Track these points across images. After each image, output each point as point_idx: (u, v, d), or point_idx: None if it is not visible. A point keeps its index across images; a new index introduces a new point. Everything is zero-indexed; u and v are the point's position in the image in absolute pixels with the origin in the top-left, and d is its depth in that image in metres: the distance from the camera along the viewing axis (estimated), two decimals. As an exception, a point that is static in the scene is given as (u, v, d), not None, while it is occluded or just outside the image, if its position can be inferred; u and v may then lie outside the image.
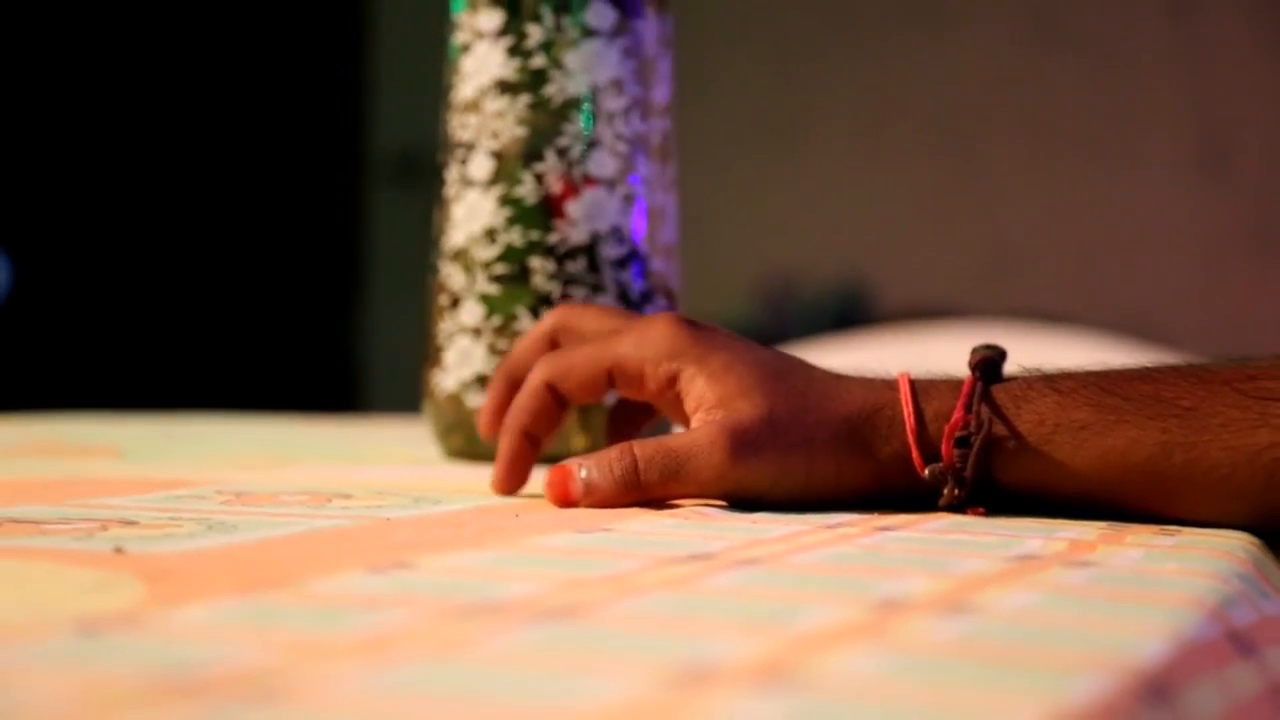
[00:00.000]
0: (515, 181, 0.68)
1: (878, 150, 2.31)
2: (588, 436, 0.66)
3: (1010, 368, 0.50)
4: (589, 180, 0.68)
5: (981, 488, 0.48)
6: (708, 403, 0.49)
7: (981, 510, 0.48)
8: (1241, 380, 0.46)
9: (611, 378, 0.52)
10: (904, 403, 0.48)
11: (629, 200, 0.69)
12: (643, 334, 0.51)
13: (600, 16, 0.68)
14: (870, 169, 2.31)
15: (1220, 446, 0.45)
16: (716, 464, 0.47)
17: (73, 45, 2.36)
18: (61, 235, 2.38)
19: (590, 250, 0.68)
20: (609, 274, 0.68)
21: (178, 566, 0.34)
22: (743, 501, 0.49)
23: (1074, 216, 2.19)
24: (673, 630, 0.28)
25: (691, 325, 0.51)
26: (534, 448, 0.53)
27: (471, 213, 0.69)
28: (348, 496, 0.50)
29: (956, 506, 0.48)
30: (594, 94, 0.68)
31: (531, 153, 0.68)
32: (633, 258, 0.69)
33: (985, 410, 0.48)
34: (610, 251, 0.68)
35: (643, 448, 0.48)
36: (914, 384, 0.49)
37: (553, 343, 0.56)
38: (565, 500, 0.49)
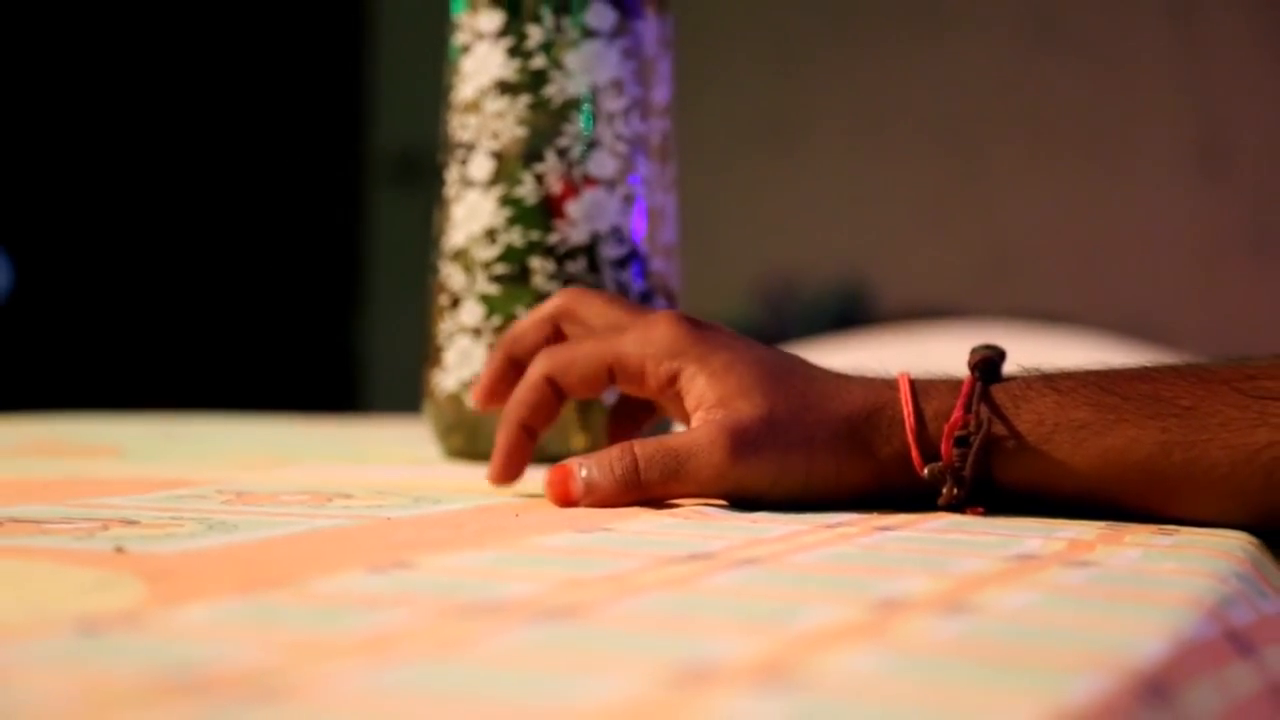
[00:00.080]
0: (515, 182, 0.68)
1: (877, 150, 2.31)
2: (588, 435, 0.66)
3: (1010, 368, 0.50)
4: (589, 180, 0.68)
5: (981, 487, 0.48)
6: (708, 402, 0.49)
7: (981, 510, 0.48)
8: (1240, 380, 0.46)
9: (612, 374, 0.52)
10: (904, 402, 0.48)
11: (629, 200, 0.69)
12: (645, 331, 0.51)
13: (600, 17, 0.68)
14: (870, 169, 2.31)
15: (1219, 446, 0.45)
16: (716, 463, 0.48)
17: (73, 46, 2.36)
18: (62, 235, 2.39)
19: (590, 250, 0.68)
20: (609, 274, 0.68)
21: (178, 566, 0.34)
22: (743, 501, 0.49)
23: (1073, 217, 2.19)
24: (672, 630, 0.28)
25: (694, 324, 0.51)
26: (531, 440, 0.53)
27: (472, 213, 0.69)
28: (348, 496, 0.50)
29: (956, 506, 0.48)
30: (594, 94, 0.68)
31: (531, 153, 0.68)
32: (633, 258, 0.69)
33: (985, 410, 0.48)
34: (610, 252, 0.68)
35: (643, 447, 0.48)
36: (914, 384, 0.49)
37: (555, 326, 0.56)
38: (566, 499, 0.49)
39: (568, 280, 0.68)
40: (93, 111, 2.40)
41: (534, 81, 0.68)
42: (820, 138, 2.33)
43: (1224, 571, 0.37)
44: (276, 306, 2.62)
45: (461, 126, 0.70)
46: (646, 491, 0.48)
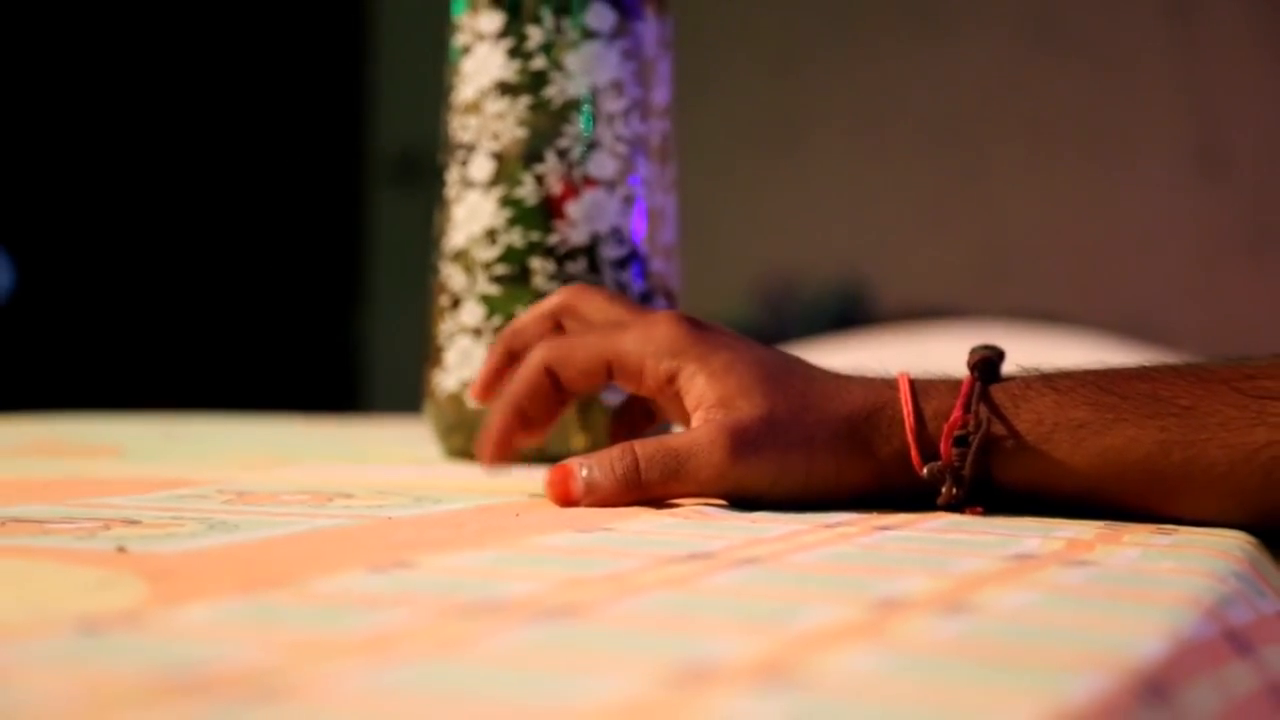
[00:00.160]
0: (515, 183, 0.68)
1: (877, 151, 2.31)
2: (588, 436, 0.66)
3: (1009, 367, 0.50)
4: (589, 181, 0.68)
5: (980, 487, 0.48)
6: (708, 401, 0.49)
7: (980, 509, 0.48)
8: (1239, 379, 0.46)
9: (610, 370, 0.52)
10: (903, 402, 0.49)
11: (629, 201, 0.69)
12: (646, 329, 0.51)
13: (600, 18, 0.68)
14: (869, 170, 2.31)
15: (1218, 445, 0.46)
16: (717, 463, 0.48)
17: (74, 46, 2.36)
18: (64, 235, 2.39)
19: (590, 251, 0.68)
20: (609, 275, 0.68)
21: (179, 566, 0.34)
22: (742, 501, 0.49)
23: (1072, 217, 2.19)
24: (672, 629, 0.28)
25: (694, 324, 0.52)
26: (523, 426, 0.53)
27: (472, 214, 0.69)
28: (349, 496, 0.50)
29: (955, 505, 0.48)
30: (594, 95, 0.68)
31: (532, 154, 0.68)
32: (633, 258, 0.69)
33: (984, 410, 0.48)
34: (610, 252, 0.68)
35: (643, 447, 0.49)
36: (913, 383, 0.49)
37: (556, 322, 0.56)
38: (566, 499, 0.49)
39: (568, 281, 0.68)
40: (94, 112, 2.40)
41: (534, 82, 0.68)
42: (820, 138, 2.33)
43: (1222, 571, 0.37)
44: (277, 306, 2.62)
45: (462, 127, 0.70)
46: (647, 491, 0.48)
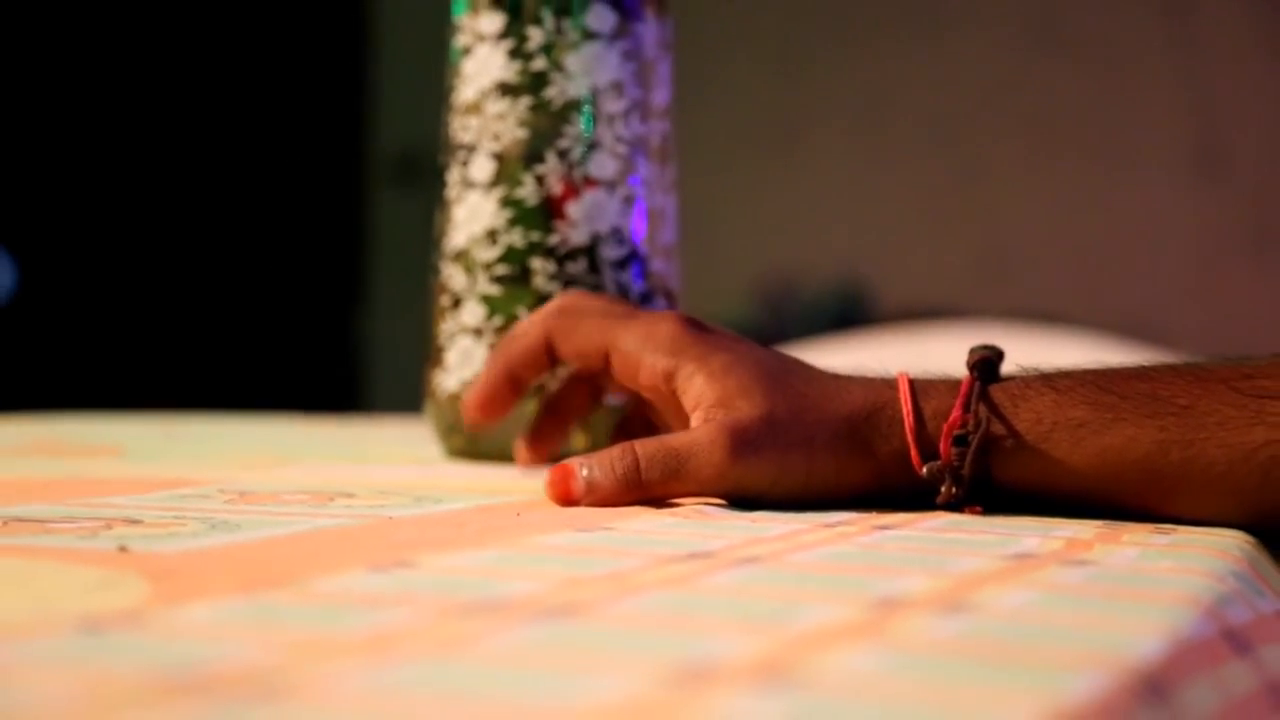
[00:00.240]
0: (516, 183, 0.68)
1: (876, 152, 2.31)
2: (588, 436, 0.66)
3: (1008, 367, 0.50)
4: (589, 182, 0.68)
5: (979, 486, 0.48)
6: (707, 401, 0.49)
7: (979, 509, 0.48)
8: (1238, 379, 0.46)
9: (608, 359, 0.53)
10: (903, 402, 0.49)
11: (629, 202, 0.69)
12: (648, 326, 0.52)
13: (600, 19, 0.68)
14: (869, 170, 2.31)
15: (1217, 444, 0.46)
16: (717, 463, 0.48)
17: (76, 47, 2.37)
18: (65, 236, 2.39)
19: (591, 251, 0.68)
20: (609, 275, 0.68)
21: (181, 565, 0.34)
22: (742, 500, 0.49)
23: (1071, 217, 2.19)
24: (672, 629, 0.28)
25: (695, 325, 0.52)
26: (514, 388, 0.54)
27: (473, 214, 0.69)
28: (350, 496, 0.50)
29: (954, 505, 0.48)
30: (594, 96, 0.68)
31: (532, 154, 0.68)
32: (633, 259, 0.69)
33: (983, 409, 0.48)
34: (610, 253, 0.68)
35: (644, 446, 0.49)
36: (913, 383, 0.49)
37: (549, 340, 0.56)
38: (566, 499, 0.49)
39: (568, 281, 0.68)
40: (95, 113, 2.40)
41: (534, 83, 0.68)
42: (819, 139, 2.33)
43: (1221, 570, 0.37)
44: (278, 307, 2.62)
45: (462, 128, 0.70)
46: (647, 491, 0.48)
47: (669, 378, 0.51)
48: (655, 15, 0.70)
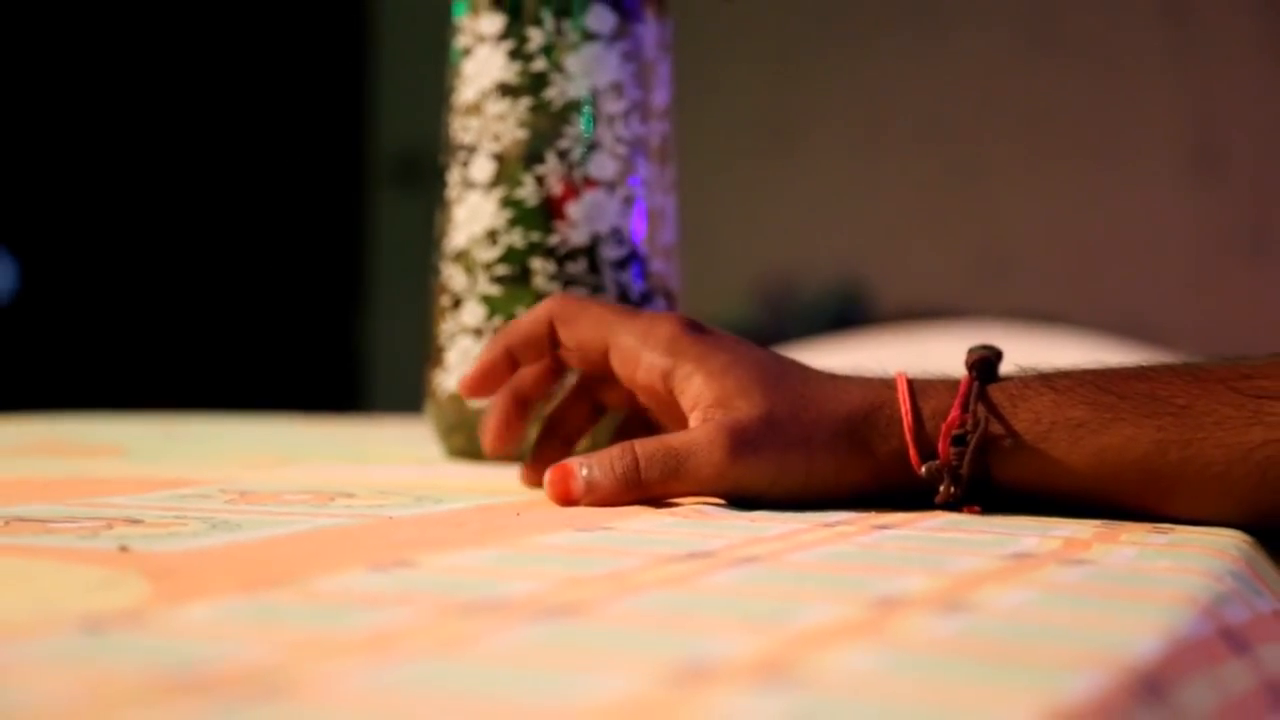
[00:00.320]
0: (516, 183, 0.68)
1: (875, 152, 2.31)
2: (589, 438, 0.67)
3: (1007, 367, 0.50)
4: (589, 182, 0.68)
5: (978, 486, 0.48)
6: (705, 401, 0.49)
7: (978, 508, 0.48)
8: (1236, 379, 0.46)
9: (606, 353, 0.53)
10: (902, 401, 0.49)
11: (629, 202, 0.69)
12: (649, 325, 0.52)
13: (600, 20, 0.68)
14: (868, 171, 2.31)
15: (1215, 444, 0.46)
16: (716, 462, 0.48)
17: (77, 48, 2.37)
18: (66, 236, 2.39)
19: (590, 252, 0.68)
20: (609, 275, 0.68)
21: (182, 565, 0.34)
22: (742, 500, 0.49)
23: (1070, 218, 2.20)
24: (672, 628, 0.28)
25: (695, 326, 0.52)
26: (509, 366, 0.55)
27: (473, 214, 0.69)
28: (350, 495, 0.51)
29: (953, 504, 0.49)
30: (594, 97, 0.68)
31: (532, 155, 0.68)
32: (632, 259, 0.69)
33: (982, 409, 0.48)
34: (610, 253, 0.69)
35: (643, 446, 0.49)
36: (911, 383, 0.49)
37: (551, 328, 0.56)
38: (566, 498, 0.49)
39: (568, 281, 0.68)
40: (96, 113, 2.40)
41: (535, 84, 0.68)
42: (819, 140, 2.33)
43: (1219, 570, 0.37)
44: (279, 307, 2.62)
45: (463, 129, 0.70)
46: (646, 490, 0.49)
47: (666, 377, 0.51)
48: (655, 16, 0.70)
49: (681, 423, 0.51)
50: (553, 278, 0.68)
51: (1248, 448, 0.45)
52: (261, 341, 2.58)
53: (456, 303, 0.70)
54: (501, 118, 0.69)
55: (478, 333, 0.69)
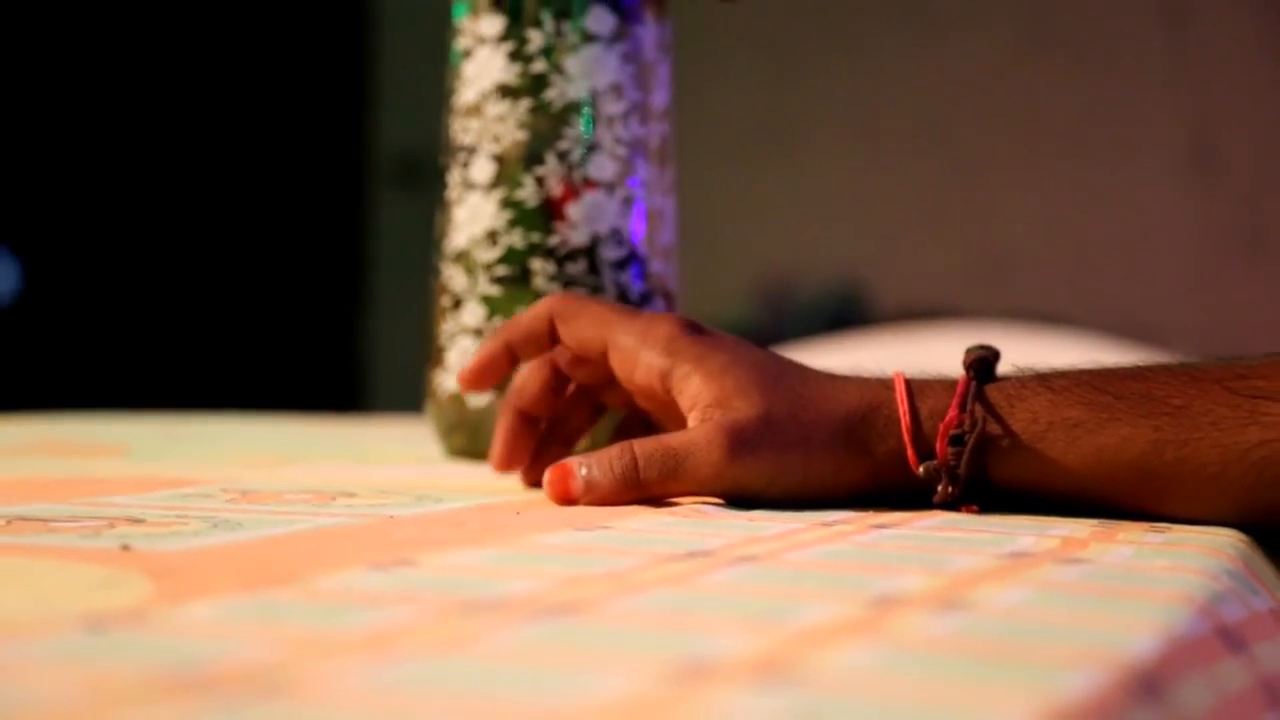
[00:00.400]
0: (516, 184, 0.69)
1: (874, 153, 2.31)
2: (588, 437, 0.67)
3: (1004, 368, 0.50)
4: (589, 183, 0.69)
5: (975, 485, 0.48)
6: (704, 401, 0.49)
7: (975, 508, 0.49)
8: (1232, 379, 0.46)
9: (605, 352, 0.53)
10: (899, 401, 0.49)
11: (628, 203, 0.69)
12: (648, 325, 0.52)
13: (600, 22, 0.69)
14: (866, 172, 2.31)
15: (1211, 444, 0.46)
16: (715, 462, 0.48)
17: (79, 49, 2.37)
18: (68, 236, 2.39)
19: (590, 252, 0.68)
20: (609, 276, 0.69)
21: (184, 564, 0.34)
22: (740, 499, 0.49)
23: (1067, 219, 2.20)
24: (671, 627, 0.28)
25: (694, 327, 0.52)
26: (509, 360, 0.56)
27: (473, 215, 0.69)
28: (351, 495, 0.51)
29: (950, 504, 0.49)
30: (594, 98, 0.69)
31: (532, 156, 0.68)
32: (632, 259, 0.69)
33: (979, 409, 0.48)
34: (610, 253, 0.69)
35: (642, 446, 0.49)
36: (909, 383, 0.50)
37: (552, 324, 0.57)
38: (565, 498, 0.49)
39: (568, 282, 0.68)
40: (98, 114, 2.40)
41: (534, 85, 0.68)
42: (817, 141, 2.33)
43: (1215, 569, 0.37)
44: (281, 308, 2.62)
45: (463, 130, 0.70)
46: (645, 490, 0.49)
47: (664, 377, 0.51)
48: (654, 18, 0.71)
49: (680, 423, 0.51)
50: (552, 278, 0.68)
51: (1244, 448, 0.45)
52: (263, 342, 2.58)
53: (457, 303, 0.70)
54: (501, 119, 0.69)
55: (478, 333, 0.69)
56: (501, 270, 0.69)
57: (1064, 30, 2.20)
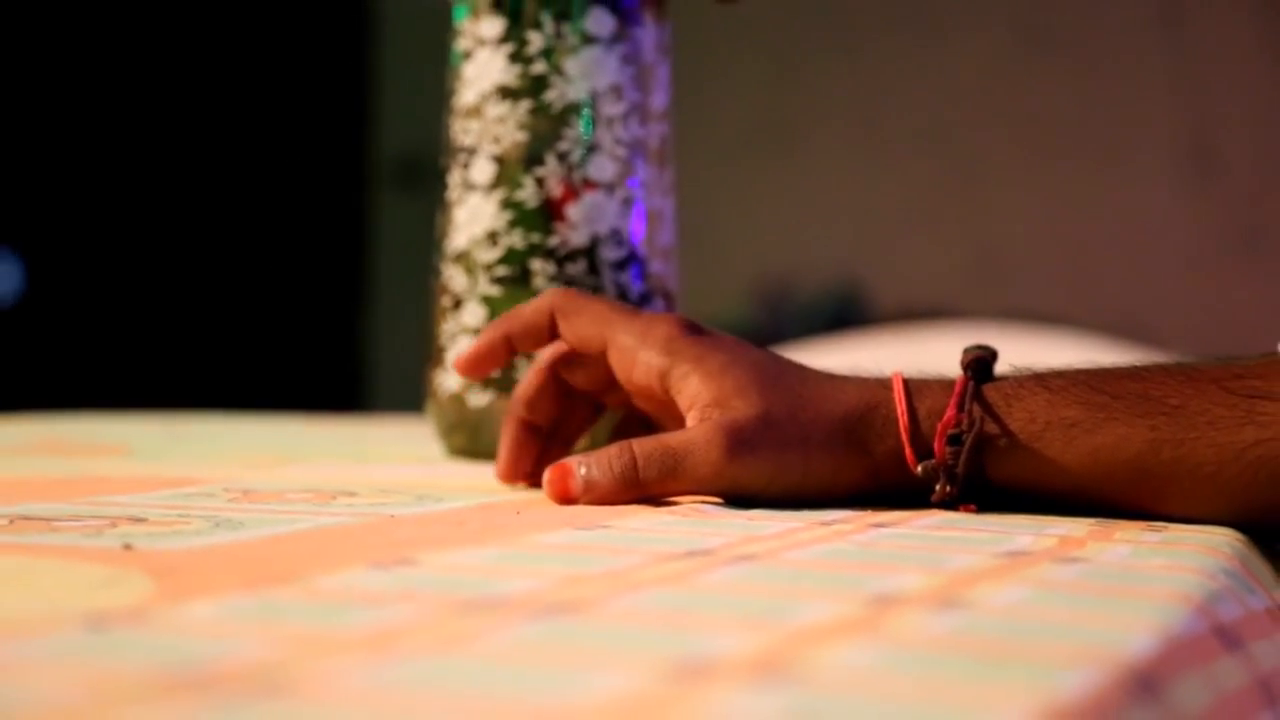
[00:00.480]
0: (516, 185, 0.69)
1: (872, 154, 2.31)
2: (588, 437, 0.67)
3: (1002, 367, 0.50)
4: (589, 184, 0.69)
5: (973, 485, 0.49)
6: (703, 400, 0.50)
7: (973, 507, 0.49)
8: (1229, 378, 0.46)
9: (604, 350, 0.53)
10: (898, 401, 0.49)
11: (628, 204, 0.69)
12: (647, 324, 0.52)
13: (600, 23, 0.69)
14: (865, 173, 2.31)
15: (1207, 444, 0.46)
16: (714, 461, 0.48)
17: (81, 49, 2.37)
18: (70, 237, 2.39)
19: (590, 253, 0.68)
20: (608, 276, 0.69)
21: (185, 563, 0.34)
22: (739, 499, 0.49)
23: (1065, 219, 2.20)
24: (671, 625, 0.28)
25: (693, 327, 0.52)
26: (506, 351, 0.56)
27: (473, 216, 0.70)
28: (352, 494, 0.51)
29: (949, 503, 0.49)
30: (593, 99, 0.69)
31: (532, 157, 0.69)
32: (632, 260, 0.69)
33: (977, 408, 0.48)
34: (609, 254, 0.69)
35: (641, 445, 0.49)
36: (907, 383, 0.50)
37: (553, 319, 0.57)
38: (565, 497, 0.49)
39: (568, 282, 0.68)
40: (100, 115, 2.40)
41: (534, 87, 0.68)
42: (816, 142, 2.33)
43: (1212, 568, 0.37)
44: (282, 308, 2.62)
45: (463, 131, 0.71)
46: (645, 489, 0.49)
47: (663, 377, 0.51)
48: (654, 19, 0.71)
49: (679, 423, 0.51)
50: (552, 279, 0.68)
51: (1240, 447, 0.46)
52: (264, 342, 2.58)
53: (457, 303, 0.70)
54: (501, 120, 0.69)
55: (478, 333, 0.69)
56: (502, 271, 0.69)
57: (1063, 31, 2.20)
